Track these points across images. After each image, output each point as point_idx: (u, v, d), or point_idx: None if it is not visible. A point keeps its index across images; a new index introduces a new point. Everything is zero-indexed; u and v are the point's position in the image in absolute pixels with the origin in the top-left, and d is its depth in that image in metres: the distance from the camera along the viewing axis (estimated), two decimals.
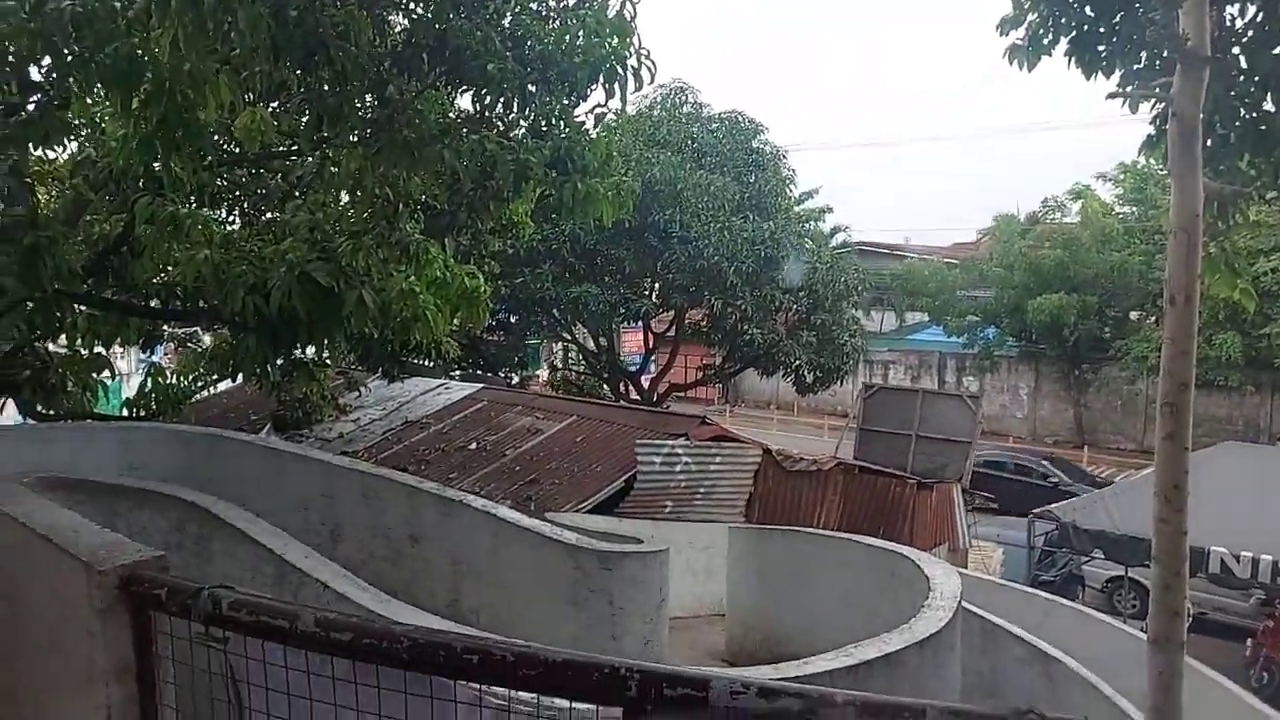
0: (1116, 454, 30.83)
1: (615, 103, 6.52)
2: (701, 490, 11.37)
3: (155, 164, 6.42)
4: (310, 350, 9.11)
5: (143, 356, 15.54)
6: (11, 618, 3.45)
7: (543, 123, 6.78)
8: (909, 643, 4.27)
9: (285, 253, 7.03)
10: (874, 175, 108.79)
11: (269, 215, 8.88)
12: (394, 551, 5.99)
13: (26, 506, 3.50)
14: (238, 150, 8.12)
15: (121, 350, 11.70)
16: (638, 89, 6.45)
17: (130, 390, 12.19)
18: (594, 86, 6.47)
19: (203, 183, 7.92)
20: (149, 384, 10.84)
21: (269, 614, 2.30)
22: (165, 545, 4.34)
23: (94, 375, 9.47)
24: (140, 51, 5.30)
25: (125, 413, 11.48)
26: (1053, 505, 14.16)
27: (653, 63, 6.43)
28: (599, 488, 10.63)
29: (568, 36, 6.49)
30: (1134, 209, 30.88)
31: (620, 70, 6.36)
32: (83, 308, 8.49)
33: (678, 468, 11.11)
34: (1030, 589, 11.64)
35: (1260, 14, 5.17)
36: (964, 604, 5.46)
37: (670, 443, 11.25)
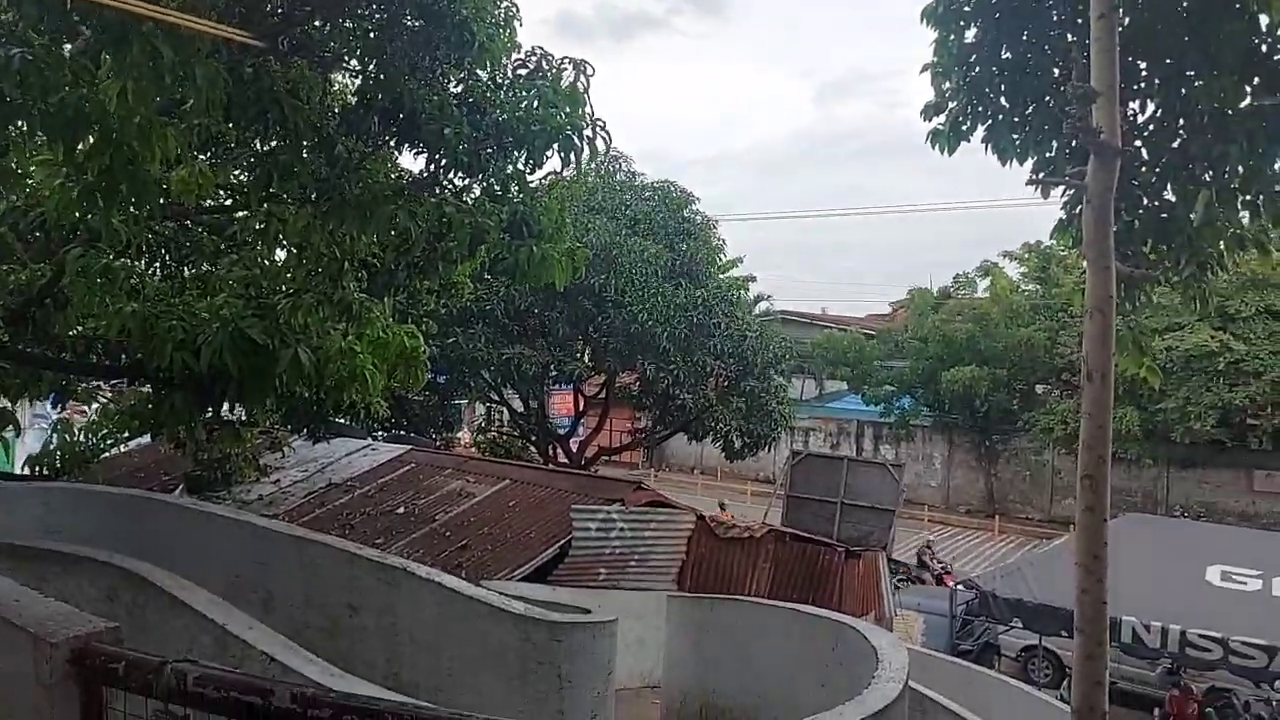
0: (1025, 524, 31.80)
1: (570, 170, 6.62)
2: (636, 557, 11.26)
3: (92, 215, 6.19)
4: (237, 409, 8.80)
5: (37, 412, 14.80)
6: None
7: (498, 187, 6.83)
8: (863, 715, 4.26)
9: (219, 308, 6.85)
10: (792, 240, 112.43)
11: (194, 270, 8.62)
12: (330, 621, 5.74)
13: None
14: (172, 203, 7.91)
15: (18, 405, 11.12)
16: (593, 158, 6.58)
17: (25, 447, 11.56)
18: (550, 153, 6.57)
19: (134, 235, 7.69)
20: (54, 440, 10.30)
21: (239, 690, 2.20)
22: (97, 615, 4.08)
23: None
24: (86, 102, 5.16)
25: (27, 470, 10.84)
26: (975, 574, 14.47)
27: (607, 133, 6.58)
28: (533, 554, 10.44)
29: (523, 105, 6.59)
30: (1038, 286, 32.56)
31: (575, 139, 6.48)
32: None
33: (613, 534, 11.00)
34: (952, 658, 11.84)
35: (1160, 109, 5.60)
36: None
37: (606, 508, 11.16)
